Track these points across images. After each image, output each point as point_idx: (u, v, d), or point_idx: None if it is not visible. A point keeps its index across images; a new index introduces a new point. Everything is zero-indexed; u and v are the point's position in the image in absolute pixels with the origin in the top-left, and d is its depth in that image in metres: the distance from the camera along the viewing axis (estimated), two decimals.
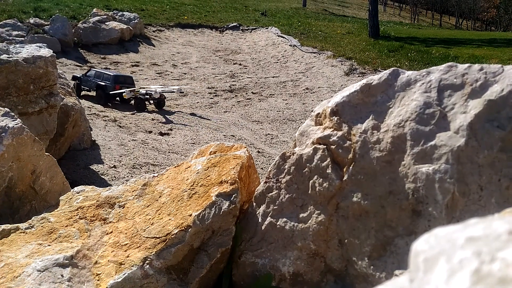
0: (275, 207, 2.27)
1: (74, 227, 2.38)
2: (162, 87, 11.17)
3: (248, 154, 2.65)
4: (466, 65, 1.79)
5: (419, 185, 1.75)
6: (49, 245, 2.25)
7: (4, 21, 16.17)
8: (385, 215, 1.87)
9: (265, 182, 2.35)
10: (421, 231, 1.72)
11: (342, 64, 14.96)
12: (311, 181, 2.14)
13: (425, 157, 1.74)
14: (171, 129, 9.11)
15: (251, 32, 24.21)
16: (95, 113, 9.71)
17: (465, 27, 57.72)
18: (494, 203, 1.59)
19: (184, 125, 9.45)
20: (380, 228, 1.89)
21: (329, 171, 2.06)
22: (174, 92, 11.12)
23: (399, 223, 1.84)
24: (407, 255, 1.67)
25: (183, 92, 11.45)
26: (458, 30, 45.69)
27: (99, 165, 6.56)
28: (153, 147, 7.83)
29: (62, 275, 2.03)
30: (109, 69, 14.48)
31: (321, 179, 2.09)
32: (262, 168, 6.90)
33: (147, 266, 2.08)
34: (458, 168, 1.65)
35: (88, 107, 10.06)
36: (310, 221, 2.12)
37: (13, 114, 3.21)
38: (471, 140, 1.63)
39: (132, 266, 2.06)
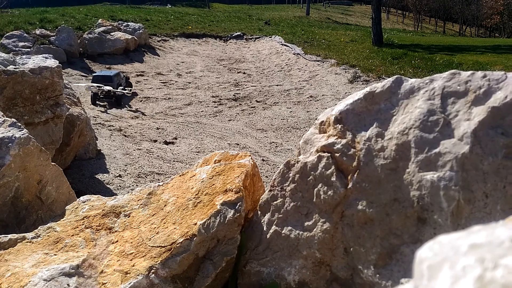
0: (280, 216, 2.28)
1: (80, 237, 2.39)
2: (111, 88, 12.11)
3: (252, 163, 2.66)
4: (469, 72, 1.79)
5: (424, 193, 1.75)
6: (55, 255, 2.26)
7: (10, 33, 16.35)
8: (390, 223, 1.87)
9: (270, 191, 2.35)
10: (426, 239, 1.71)
11: (346, 72, 14.98)
12: (315, 189, 2.14)
13: (430, 165, 1.74)
14: (176, 138, 9.15)
15: (254, 41, 24.34)
16: (100, 123, 9.77)
17: (468, 34, 57.69)
18: (500, 210, 1.58)
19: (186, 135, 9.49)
20: (386, 236, 1.89)
21: (333, 179, 2.07)
22: (124, 92, 12.05)
23: (404, 231, 1.84)
24: (412, 263, 1.67)
25: (130, 94, 12.19)
26: (461, 37, 45.69)
27: (105, 174, 6.59)
28: (158, 156, 7.86)
29: (68, 285, 2.03)
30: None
31: (325, 187, 2.09)
32: (266, 177, 6.90)
33: (153, 275, 2.08)
34: (463, 175, 1.65)
35: (94, 116, 10.14)
36: (315, 229, 2.12)
37: (19, 124, 3.25)
38: (475, 147, 1.63)
39: (138, 275, 2.07)
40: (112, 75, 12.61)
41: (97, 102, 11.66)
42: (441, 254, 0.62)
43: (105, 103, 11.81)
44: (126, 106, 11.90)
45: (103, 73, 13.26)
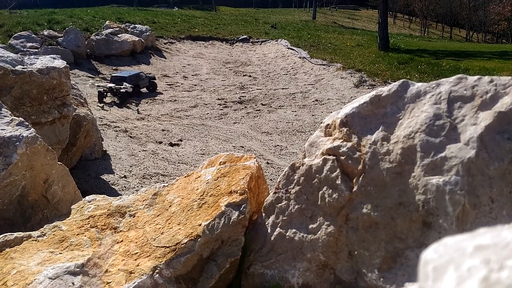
0: (284, 218, 2.28)
1: (85, 236, 2.40)
2: (114, 85, 12.72)
3: (257, 165, 2.66)
4: (476, 77, 1.79)
5: (430, 197, 1.74)
6: (61, 253, 2.27)
7: (19, 33, 16.50)
8: (395, 226, 1.86)
9: (275, 193, 2.35)
10: (431, 243, 1.70)
11: (351, 76, 14.98)
12: (320, 192, 2.14)
13: (435, 169, 1.74)
14: (181, 140, 9.17)
15: (261, 44, 24.39)
16: (106, 124, 9.83)
17: (475, 40, 57.48)
18: (506, 215, 1.58)
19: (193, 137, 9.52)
20: (390, 240, 1.88)
21: (338, 182, 2.07)
22: (126, 87, 12.56)
23: (409, 235, 1.83)
24: (417, 268, 1.66)
25: (126, 88, 12.62)
26: (468, 42, 45.52)
27: (110, 175, 6.62)
28: (163, 157, 7.89)
29: (73, 283, 2.05)
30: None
31: (330, 190, 2.09)
32: (271, 179, 6.90)
33: (157, 275, 2.09)
34: (469, 180, 1.65)
35: (100, 117, 10.19)
36: (319, 232, 2.12)
37: (27, 123, 3.28)
38: (481, 152, 1.63)
39: (142, 275, 2.08)
40: (126, 76, 13.01)
41: (104, 100, 12.11)
42: (446, 256, 0.63)
43: (111, 101, 12.21)
44: (128, 105, 12.22)
45: (121, 73, 13.76)
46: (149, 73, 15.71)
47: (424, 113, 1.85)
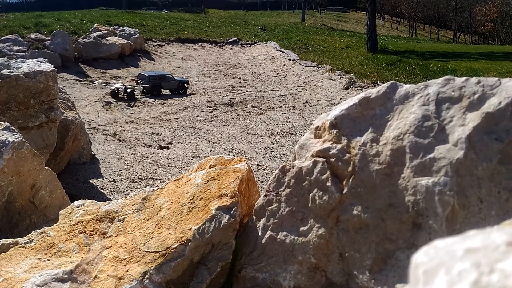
0: (275, 221, 2.27)
1: (73, 242, 2.37)
2: (123, 85, 13.91)
3: (248, 167, 2.65)
4: (464, 78, 1.80)
5: (419, 198, 1.75)
6: (49, 260, 2.23)
7: (5, 37, 16.31)
8: (385, 228, 1.87)
9: (265, 195, 2.35)
10: (421, 244, 1.71)
11: (341, 77, 15.04)
12: (311, 194, 2.14)
13: (425, 170, 1.75)
14: (171, 143, 9.12)
15: (250, 46, 24.40)
16: (95, 127, 9.74)
17: (462, 41, 58.18)
18: (494, 215, 1.59)
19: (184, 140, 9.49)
20: (381, 241, 1.88)
21: (328, 184, 2.06)
22: (130, 87, 13.54)
23: (399, 236, 1.83)
24: (408, 269, 1.66)
25: (135, 91, 13.57)
26: (455, 43, 46.07)
27: (99, 179, 6.55)
28: (152, 161, 7.83)
29: None
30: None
31: (321, 192, 2.09)
32: (262, 182, 6.89)
33: (147, 280, 2.07)
34: (458, 180, 1.65)
35: (88, 121, 10.09)
36: (310, 234, 2.12)
37: (13, 128, 3.23)
38: (469, 152, 1.64)
39: (132, 280, 2.05)
40: (147, 75, 14.07)
41: (119, 96, 13.17)
42: (436, 259, 0.62)
43: (123, 95, 13.20)
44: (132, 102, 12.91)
45: (145, 72, 14.86)
46: (186, 76, 16.29)
47: (413, 115, 1.85)
